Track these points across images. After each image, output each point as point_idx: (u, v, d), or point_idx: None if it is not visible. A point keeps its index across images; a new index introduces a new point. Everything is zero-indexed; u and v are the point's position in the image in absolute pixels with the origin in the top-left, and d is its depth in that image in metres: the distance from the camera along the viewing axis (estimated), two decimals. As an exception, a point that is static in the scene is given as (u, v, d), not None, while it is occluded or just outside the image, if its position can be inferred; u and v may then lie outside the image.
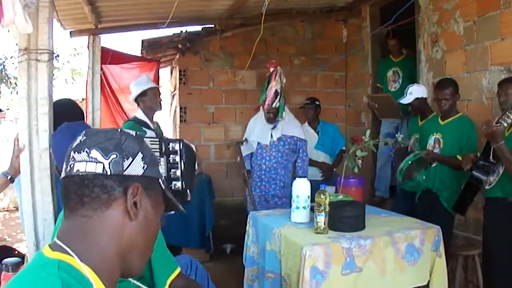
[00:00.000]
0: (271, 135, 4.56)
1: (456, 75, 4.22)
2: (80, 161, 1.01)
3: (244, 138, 4.74)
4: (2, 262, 2.16)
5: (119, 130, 1.09)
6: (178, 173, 3.50)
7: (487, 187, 3.16)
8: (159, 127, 4.10)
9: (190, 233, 5.22)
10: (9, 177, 2.61)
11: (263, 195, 4.58)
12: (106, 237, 1.00)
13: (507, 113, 2.89)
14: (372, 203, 4.50)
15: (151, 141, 3.48)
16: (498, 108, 3.39)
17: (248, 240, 3.25)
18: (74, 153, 1.03)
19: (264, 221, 3.11)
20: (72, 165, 1.02)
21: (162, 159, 3.48)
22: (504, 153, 2.89)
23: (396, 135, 3.83)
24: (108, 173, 1.00)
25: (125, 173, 1.02)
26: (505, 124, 2.87)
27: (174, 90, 6.82)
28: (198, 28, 6.06)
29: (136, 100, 3.96)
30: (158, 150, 3.45)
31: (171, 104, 7.26)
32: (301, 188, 3.01)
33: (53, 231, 1.95)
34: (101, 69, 5.25)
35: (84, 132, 1.07)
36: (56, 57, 11.59)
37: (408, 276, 2.72)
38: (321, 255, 2.48)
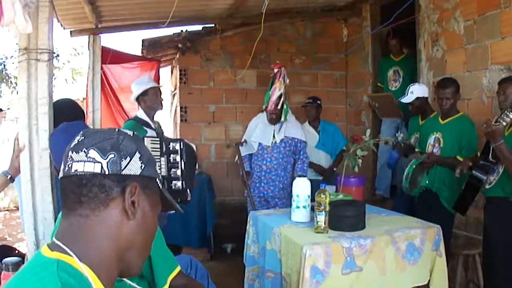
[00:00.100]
0: (273, 136, 4.55)
1: (456, 74, 4.22)
2: (78, 161, 1.01)
3: (243, 139, 4.72)
4: (2, 262, 2.17)
5: (116, 130, 1.09)
6: (179, 172, 3.52)
7: (487, 186, 3.16)
8: (160, 127, 4.10)
9: (190, 233, 5.23)
10: (9, 176, 2.61)
11: (263, 196, 4.57)
12: (104, 237, 1.01)
13: (505, 112, 2.88)
14: (373, 202, 4.48)
15: (151, 140, 3.50)
16: (498, 107, 3.38)
17: (248, 239, 3.25)
18: (72, 153, 1.03)
19: (264, 220, 3.11)
20: (70, 165, 1.02)
21: (162, 158, 3.49)
22: (503, 152, 2.88)
23: (396, 134, 3.83)
24: (106, 172, 1.01)
25: (123, 172, 1.02)
26: (504, 123, 2.87)
27: (175, 89, 6.83)
28: (198, 27, 6.07)
29: (137, 99, 3.96)
30: (158, 149, 3.47)
31: (172, 103, 7.27)
32: (301, 187, 3.00)
33: (53, 230, 1.95)
34: (102, 68, 5.26)
35: (82, 132, 1.08)
36: (56, 56, 11.61)
37: (408, 276, 2.71)
38: (321, 254, 2.47)
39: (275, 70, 4.53)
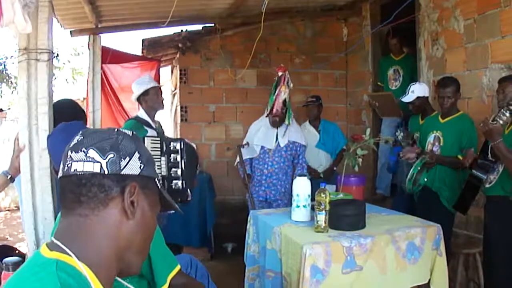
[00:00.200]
0: (276, 139, 4.54)
1: (456, 73, 4.22)
2: (77, 161, 1.01)
3: (245, 142, 4.69)
4: (2, 262, 2.17)
5: (116, 130, 1.09)
6: (179, 172, 3.52)
7: (487, 185, 3.16)
8: (161, 126, 4.10)
9: (191, 232, 5.23)
10: (9, 176, 2.61)
11: (264, 200, 4.55)
12: (104, 236, 1.01)
13: (502, 110, 2.89)
14: (373, 201, 4.48)
15: (152, 140, 3.51)
16: (497, 106, 3.38)
17: (248, 239, 3.26)
18: (72, 152, 1.03)
19: (265, 220, 3.11)
20: (69, 165, 1.02)
21: (163, 158, 3.50)
22: (502, 151, 2.88)
23: (396, 133, 3.83)
24: (106, 172, 1.01)
25: (122, 172, 1.03)
26: (501, 122, 2.87)
27: (175, 89, 6.83)
28: (198, 27, 6.07)
29: (138, 99, 3.96)
30: (159, 149, 3.47)
31: (172, 103, 7.27)
32: (301, 186, 3.01)
33: (52, 230, 1.96)
34: (102, 68, 5.26)
35: (81, 132, 1.08)
36: (56, 56, 11.61)
37: (408, 275, 2.72)
38: (322, 253, 2.47)
39: (279, 74, 4.52)
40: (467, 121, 3.60)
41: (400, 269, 2.68)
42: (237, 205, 5.97)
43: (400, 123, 5.18)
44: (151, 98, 3.92)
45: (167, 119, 7.57)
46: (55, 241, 1.00)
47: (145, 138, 3.43)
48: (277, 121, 4.49)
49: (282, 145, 4.50)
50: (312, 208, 2.88)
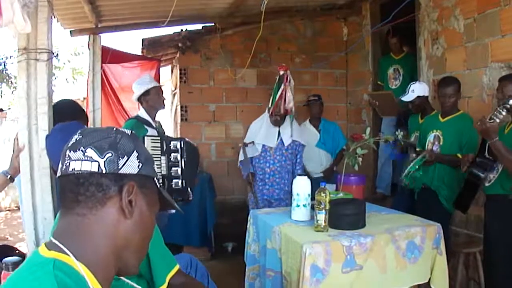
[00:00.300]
0: (277, 138, 4.53)
1: (456, 72, 4.22)
2: (75, 160, 1.02)
3: (250, 140, 4.64)
4: (2, 261, 2.17)
5: (114, 129, 1.09)
6: (179, 171, 3.53)
7: (487, 184, 3.16)
8: (161, 126, 4.11)
9: (191, 232, 5.23)
10: (9, 176, 2.62)
11: (267, 199, 4.55)
12: (102, 235, 1.01)
13: (498, 109, 2.89)
14: (373, 200, 4.49)
15: (152, 139, 3.51)
16: (497, 104, 3.38)
17: (248, 238, 3.26)
18: (70, 152, 1.03)
19: (265, 219, 3.11)
20: (67, 164, 1.02)
21: (163, 157, 3.50)
22: (499, 150, 2.88)
23: (396, 132, 3.83)
24: (103, 171, 1.01)
25: (120, 171, 1.03)
26: (498, 120, 2.87)
27: (175, 88, 6.83)
28: (198, 26, 6.06)
29: (139, 99, 3.96)
30: (159, 148, 3.48)
31: (172, 103, 7.27)
32: (301, 186, 3.01)
33: (51, 230, 1.96)
34: (102, 68, 5.26)
35: (80, 131, 1.08)
36: (56, 56, 11.61)
37: (408, 274, 2.72)
38: (321, 253, 2.47)
39: (281, 73, 4.52)
40: (467, 120, 3.59)
41: (400, 268, 2.68)
42: (237, 204, 5.97)
43: (396, 122, 5.19)
44: (152, 98, 3.92)
45: (167, 118, 7.57)
46: (54, 240, 1.00)
47: (145, 138, 3.44)
48: (279, 120, 4.49)
49: (286, 143, 4.50)
50: (312, 208, 2.88)
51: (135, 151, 1.06)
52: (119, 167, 1.03)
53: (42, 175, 2.51)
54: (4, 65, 11.35)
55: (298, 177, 3.06)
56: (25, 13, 2.03)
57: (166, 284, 1.75)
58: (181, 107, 6.20)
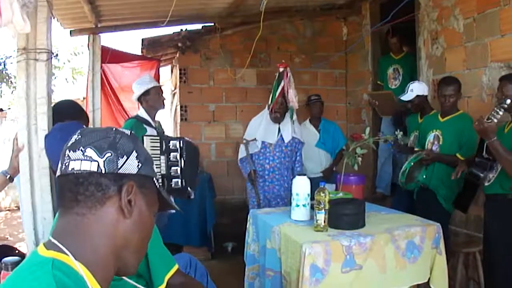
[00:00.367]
0: (277, 134, 4.53)
1: (456, 72, 4.22)
2: (75, 160, 1.02)
3: (253, 137, 4.60)
4: (2, 261, 2.17)
5: (114, 129, 1.10)
6: (179, 170, 3.53)
7: (486, 183, 3.16)
8: (161, 126, 4.11)
9: (191, 232, 5.23)
10: (8, 176, 2.62)
11: (266, 197, 4.54)
12: (101, 235, 1.01)
13: (495, 109, 2.89)
14: (373, 200, 4.49)
15: (151, 139, 3.51)
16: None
17: (248, 238, 3.26)
18: (69, 151, 1.04)
19: (264, 219, 3.11)
20: (67, 164, 1.03)
21: (162, 157, 3.51)
22: (497, 149, 2.88)
23: (396, 132, 3.83)
24: (103, 171, 1.01)
25: (120, 171, 1.03)
26: (495, 120, 2.87)
27: (175, 88, 6.83)
28: (198, 26, 6.06)
29: (139, 99, 3.96)
30: (158, 148, 3.48)
31: (172, 102, 7.27)
32: (301, 186, 3.01)
33: (51, 229, 1.96)
34: (102, 68, 5.26)
35: (79, 131, 1.08)
36: (55, 56, 11.59)
37: (408, 274, 2.72)
38: (321, 252, 2.47)
39: (281, 69, 4.53)
40: (467, 120, 3.59)
41: (399, 268, 2.68)
42: (237, 204, 5.97)
43: (394, 121, 5.19)
44: (152, 98, 3.92)
45: (167, 118, 7.57)
46: (53, 240, 1.00)
47: (144, 137, 3.44)
48: (279, 117, 4.50)
49: (286, 140, 4.50)
50: (312, 207, 2.88)
51: (134, 151, 1.07)
52: (119, 167, 1.03)
53: (41, 175, 2.51)
54: (4, 65, 11.35)
55: (297, 177, 3.06)
56: (24, 13, 2.03)
57: (164, 284, 1.75)
58: (181, 107, 6.21)
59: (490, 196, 3.18)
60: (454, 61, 4.37)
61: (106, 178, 1.01)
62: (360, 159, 3.48)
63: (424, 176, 3.66)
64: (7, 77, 11.47)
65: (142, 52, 6.28)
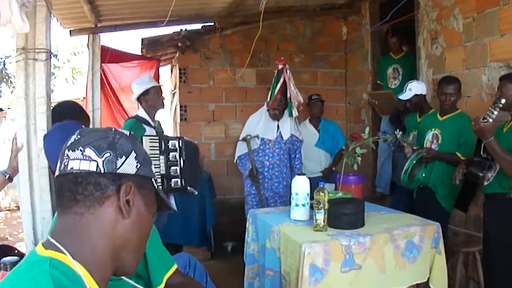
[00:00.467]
0: (276, 131, 4.52)
1: (455, 71, 4.22)
2: (74, 159, 1.02)
3: (255, 135, 4.58)
4: (1, 261, 2.17)
5: (113, 129, 1.10)
6: (178, 170, 3.53)
7: (485, 183, 3.16)
8: (160, 126, 4.11)
9: (190, 232, 5.23)
10: (7, 176, 2.62)
11: (263, 194, 4.54)
12: (99, 235, 1.01)
13: (490, 109, 2.89)
14: (373, 200, 4.49)
15: (150, 139, 3.51)
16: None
17: (248, 238, 3.26)
18: (68, 151, 1.04)
19: (264, 219, 3.11)
20: (66, 163, 1.03)
21: (161, 157, 3.51)
22: (494, 149, 2.88)
23: (395, 131, 3.83)
24: (102, 171, 1.02)
25: (118, 171, 1.03)
26: (491, 120, 2.87)
27: (174, 88, 6.83)
28: (198, 26, 6.06)
29: (138, 99, 3.96)
30: (158, 148, 3.48)
31: (172, 102, 7.27)
32: (300, 185, 3.01)
33: (49, 229, 1.96)
34: (101, 68, 5.26)
35: (78, 131, 1.08)
36: (55, 56, 11.57)
37: (407, 273, 2.72)
38: (320, 252, 2.47)
39: (280, 67, 4.53)
40: (465, 119, 3.59)
41: (399, 268, 2.68)
42: (236, 204, 5.96)
43: (390, 119, 5.20)
44: (151, 98, 3.92)
45: (167, 118, 7.57)
46: (51, 239, 1.00)
47: (143, 137, 3.44)
48: (277, 114, 4.50)
49: (285, 137, 4.50)
50: (311, 207, 2.88)
51: (133, 152, 1.07)
52: (117, 167, 1.03)
53: (40, 175, 2.51)
54: (4, 64, 11.34)
55: (297, 177, 3.06)
56: (23, 13, 2.03)
57: (163, 285, 1.75)
58: (181, 106, 6.21)
59: (489, 196, 3.18)
60: (453, 61, 4.37)
61: (104, 178, 1.02)
62: (359, 158, 3.48)
63: (424, 175, 3.66)
64: (6, 77, 11.47)
65: (141, 52, 6.28)
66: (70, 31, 5.19)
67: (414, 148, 3.83)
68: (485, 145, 2.98)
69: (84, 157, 1.02)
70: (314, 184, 3.03)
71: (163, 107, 4.10)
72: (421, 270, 2.78)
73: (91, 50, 5.04)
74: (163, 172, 3.50)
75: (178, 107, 6.32)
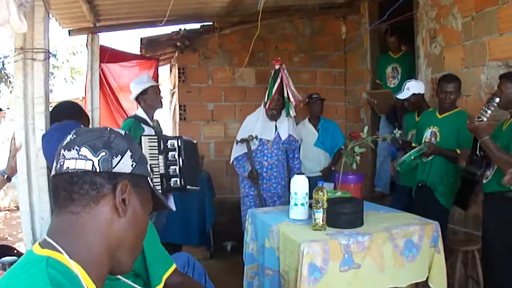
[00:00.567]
0: (275, 131, 4.51)
1: (454, 70, 4.21)
2: (70, 159, 1.02)
3: (255, 135, 4.53)
4: (0, 261, 2.18)
5: (108, 129, 1.11)
6: (177, 169, 3.53)
7: (484, 181, 3.17)
8: (159, 125, 4.11)
9: (190, 231, 5.23)
10: (5, 176, 2.62)
11: (262, 194, 4.52)
12: (95, 234, 1.02)
13: (484, 108, 2.91)
14: (372, 199, 4.49)
15: (149, 139, 3.51)
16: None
17: (247, 237, 3.25)
18: (64, 151, 1.04)
19: (263, 218, 3.11)
20: (62, 163, 1.03)
21: (160, 156, 3.51)
22: (490, 148, 2.89)
23: (394, 131, 3.82)
24: (97, 170, 1.02)
25: (114, 170, 1.03)
26: (485, 119, 2.88)
27: (174, 88, 6.83)
28: (196, 25, 6.07)
29: (136, 98, 3.95)
30: (156, 147, 3.48)
31: (171, 102, 7.27)
32: (299, 185, 3.00)
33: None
34: (100, 67, 5.26)
35: (74, 130, 1.08)
36: (54, 55, 11.55)
37: (406, 272, 2.71)
38: (319, 251, 2.47)
39: (276, 67, 4.52)
40: (464, 118, 3.56)
41: (398, 267, 2.68)
42: (236, 203, 5.93)
43: (387, 118, 5.20)
44: (149, 97, 3.91)
45: (166, 118, 7.57)
46: (48, 239, 1.00)
47: (142, 137, 3.43)
48: (275, 114, 4.48)
49: (283, 137, 4.49)
50: (310, 206, 2.88)
51: (128, 151, 1.07)
52: (113, 166, 1.03)
53: (39, 174, 2.51)
54: (3, 64, 11.34)
55: (296, 176, 3.06)
56: (21, 12, 2.03)
57: (162, 284, 1.75)
58: (180, 106, 6.21)
59: (488, 195, 3.18)
60: (452, 60, 4.37)
61: (100, 177, 1.02)
62: (358, 158, 3.47)
63: (418, 162, 3.65)
64: (6, 77, 11.46)
65: (140, 51, 6.28)
66: (69, 31, 5.19)
67: (414, 145, 3.84)
68: (480, 144, 2.99)
69: (80, 157, 1.02)
70: (313, 183, 3.02)
71: (162, 107, 4.10)
72: (420, 269, 2.78)
73: (90, 50, 5.04)
74: (162, 171, 3.50)
75: (177, 106, 6.32)
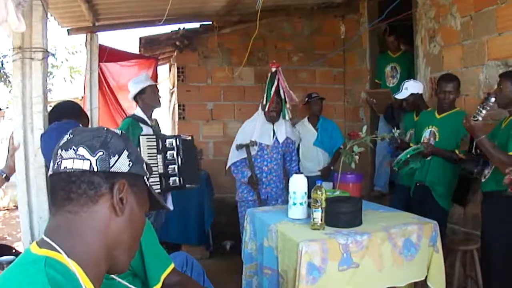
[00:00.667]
0: (273, 135, 4.49)
1: (453, 70, 4.21)
2: (67, 158, 1.02)
3: (254, 140, 4.41)
4: (-1, 261, 2.18)
5: (105, 128, 1.11)
6: (176, 169, 3.53)
7: (482, 179, 3.17)
8: (158, 124, 4.10)
9: (189, 230, 5.23)
10: (4, 175, 2.61)
11: (265, 199, 4.49)
12: (93, 233, 1.02)
13: (479, 107, 2.92)
14: (371, 198, 4.49)
15: (148, 138, 3.51)
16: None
17: (246, 236, 3.25)
18: (62, 150, 1.04)
19: (262, 217, 3.11)
20: (59, 163, 1.03)
21: (159, 156, 3.50)
22: (486, 147, 2.90)
23: (393, 130, 3.82)
24: (95, 169, 1.02)
25: (111, 169, 1.04)
26: (480, 119, 2.89)
27: (173, 87, 6.83)
28: (196, 25, 6.07)
29: (135, 98, 3.95)
30: (155, 147, 3.47)
31: (170, 101, 7.27)
32: (298, 184, 3.00)
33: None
34: (99, 67, 5.25)
35: (71, 130, 1.09)
36: (52, 55, 11.53)
37: (405, 272, 2.72)
38: (318, 251, 2.47)
39: (273, 69, 4.51)
40: (463, 117, 3.59)
41: (396, 266, 2.68)
42: (235, 203, 5.96)
43: (385, 117, 5.20)
44: (148, 97, 3.90)
45: (165, 117, 7.57)
46: (45, 238, 1.00)
47: (140, 137, 3.43)
48: (275, 116, 4.45)
49: (280, 141, 4.47)
50: (309, 206, 2.88)
51: (125, 150, 1.08)
52: (110, 165, 1.04)
53: (37, 174, 2.51)
54: (1, 64, 11.32)
55: (294, 175, 3.06)
56: (19, 12, 2.03)
57: (160, 284, 1.75)
58: (179, 105, 6.21)
59: (487, 194, 3.18)
60: (451, 59, 4.37)
61: (98, 176, 1.02)
62: (357, 157, 3.47)
63: (419, 165, 3.65)
64: (4, 76, 11.44)
65: (140, 50, 6.28)
66: (67, 30, 5.19)
67: (411, 144, 3.84)
68: (476, 142, 3.00)
69: (78, 156, 1.02)
70: (312, 183, 3.02)
71: (160, 106, 4.09)
72: (418, 268, 2.78)
73: (89, 49, 5.04)
74: (161, 171, 3.50)
75: (176, 105, 6.32)
